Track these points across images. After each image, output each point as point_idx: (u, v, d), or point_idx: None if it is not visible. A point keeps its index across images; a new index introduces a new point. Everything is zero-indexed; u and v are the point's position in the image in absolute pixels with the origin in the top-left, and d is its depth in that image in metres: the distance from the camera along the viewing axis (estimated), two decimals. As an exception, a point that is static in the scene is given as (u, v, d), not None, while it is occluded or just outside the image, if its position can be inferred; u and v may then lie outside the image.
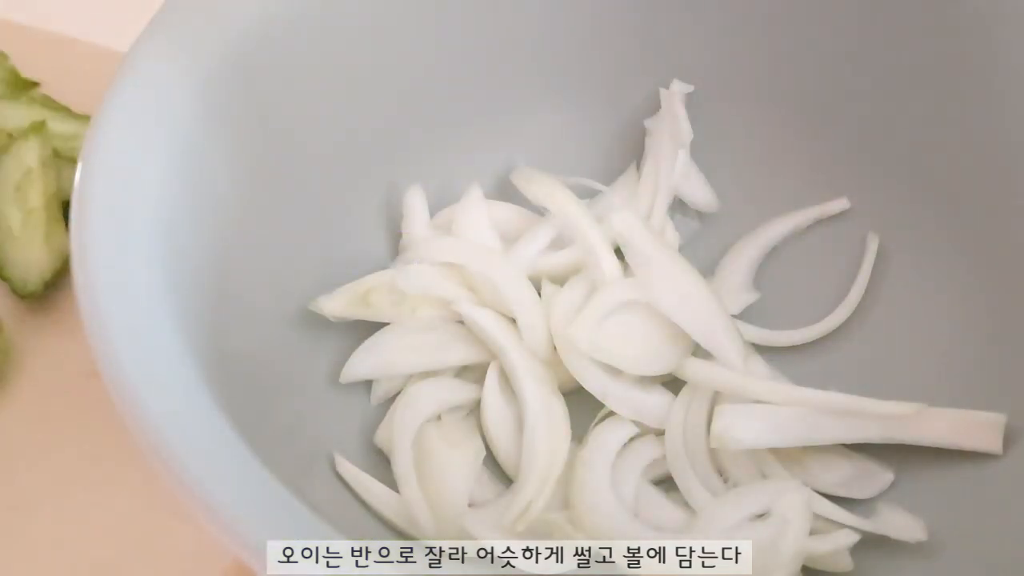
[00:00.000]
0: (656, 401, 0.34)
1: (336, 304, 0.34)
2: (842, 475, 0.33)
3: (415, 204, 0.37)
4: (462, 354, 0.35)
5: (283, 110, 0.34)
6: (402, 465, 0.32)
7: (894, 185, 0.38)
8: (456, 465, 0.32)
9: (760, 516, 0.31)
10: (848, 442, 0.32)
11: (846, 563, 0.31)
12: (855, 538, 0.31)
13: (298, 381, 0.33)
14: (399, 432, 0.33)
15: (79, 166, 0.27)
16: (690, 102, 0.40)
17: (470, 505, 0.32)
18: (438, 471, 0.32)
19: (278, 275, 0.34)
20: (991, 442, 0.32)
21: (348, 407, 0.34)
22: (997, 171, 0.35)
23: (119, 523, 0.36)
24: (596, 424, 0.33)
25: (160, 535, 0.36)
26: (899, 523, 0.31)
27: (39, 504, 0.36)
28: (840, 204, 0.39)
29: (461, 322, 0.35)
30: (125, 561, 0.35)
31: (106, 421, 0.38)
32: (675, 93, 0.39)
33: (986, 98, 0.35)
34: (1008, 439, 0.32)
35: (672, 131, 0.39)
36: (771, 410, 0.33)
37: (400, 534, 0.32)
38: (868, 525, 0.31)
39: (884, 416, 0.32)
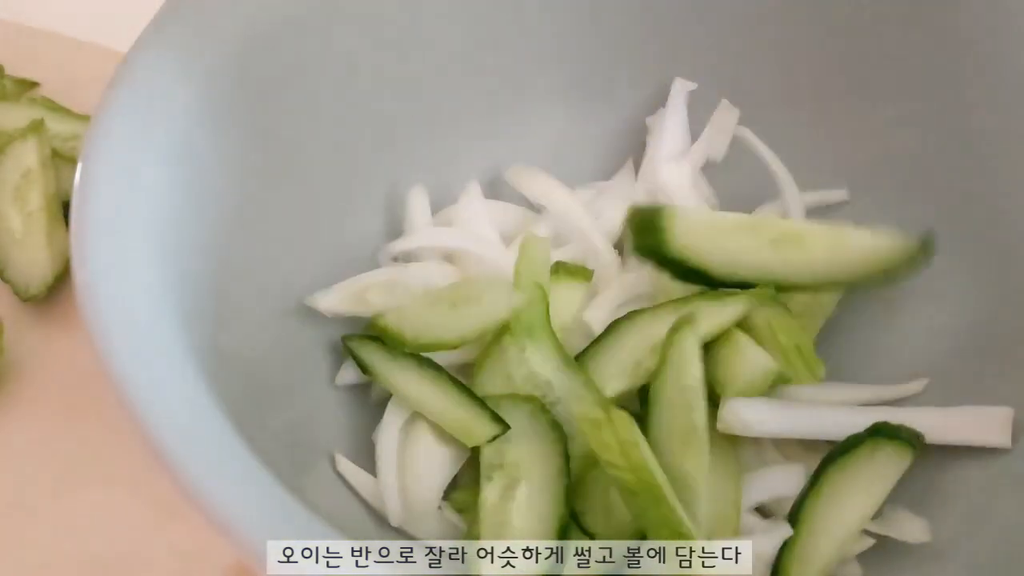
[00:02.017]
0: None
1: (332, 300, 0.34)
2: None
3: (417, 204, 0.37)
4: (461, 354, 0.35)
5: (283, 110, 0.34)
6: (386, 452, 0.32)
7: (895, 180, 0.38)
8: (438, 460, 0.32)
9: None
10: None
11: (854, 571, 0.31)
12: (868, 543, 0.31)
13: (298, 381, 0.33)
14: (390, 415, 0.33)
15: (79, 166, 0.27)
16: (691, 101, 0.40)
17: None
18: (417, 461, 0.32)
19: (278, 274, 0.34)
20: (1000, 436, 0.32)
21: (348, 407, 0.34)
22: (1001, 166, 0.35)
23: (119, 523, 0.36)
24: None
25: (160, 535, 0.36)
26: (902, 524, 0.31)
27: (39, 504, 0.36)
28: (839, 194, 0.39)
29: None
30: (125, 561, 0.35)
31: (106, 421, 0.38)
32: (680, 91, 0.40)
33: (988, 94, 0.35)
34: (1015, 434, 0.32)
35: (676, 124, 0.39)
36: (780, 400, 0.33)
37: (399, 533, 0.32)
38: (871, 526, 0.31)
39: (891, 400, 0.33)
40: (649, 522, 0.29)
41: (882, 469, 0.31)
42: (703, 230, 0.33)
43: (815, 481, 0.31)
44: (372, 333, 0.33)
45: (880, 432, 0.31)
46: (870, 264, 0.32)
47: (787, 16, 0.38)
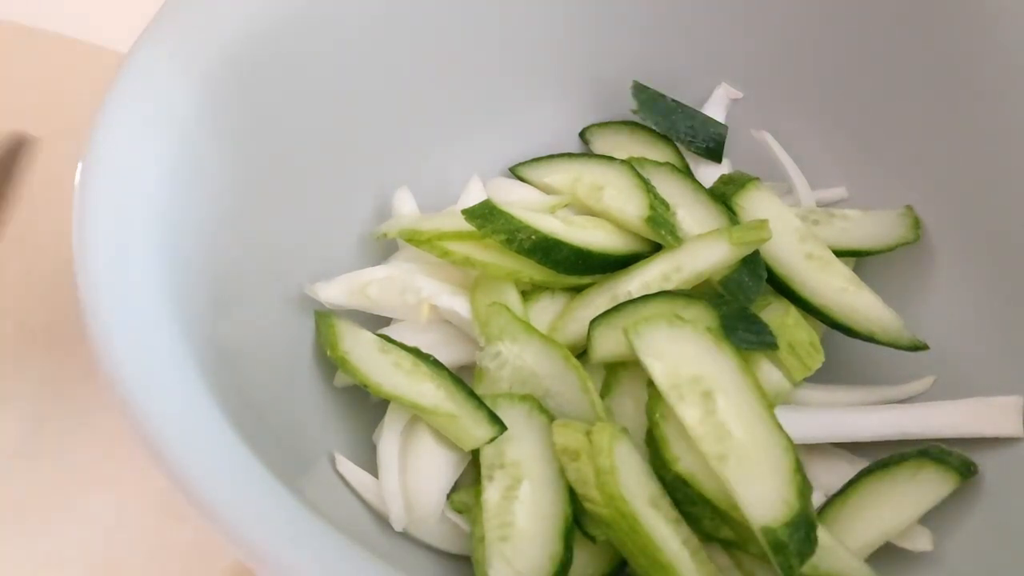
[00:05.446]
0: None
1: (333, 292, 0.34)
2: (843, 477, 0.32)
3: (403, 207, 0.37)
4: (459, 353, 0.35)
5: (281, 110, 0.34)
6: (387, 457, 0.32)
7: (895, 179, 0.38)
8: (440, 464, 0.32)
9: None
10: (865, 439, 0.32)
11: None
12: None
13: (298, 381, 0.33)
14: (391, 419, 0.33)
15: (79, 166, 0.27)
16: (693, 98, 0.40)
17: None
18: (419, 466, 0.32)
19: (277, 274, 0.34)
20: (1011, 426, 0.31)
21: (348, 407, 0.34)
22: (1002, 164, 0.35)
23: (119, 523, 0.36)
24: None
25: (160, 535, 0.36)
26: (906, 531, 0.31)
27: (39, 504, 0.36)
28: (838, 192, 0.39)
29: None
30: (125, 561, 0.35)
31: (106, 421, 0.38)
32: (722, 96, 0.40)
33: (988, 93, 0.35)
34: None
35: None
36: (791, 406, 0.33)
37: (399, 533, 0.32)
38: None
39: (901, 398, 0.33)
40: (628, 552, 0.29)
41: (921, 490, 0.31)
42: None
43: (847, 487, 0.31)
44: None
45: (928, 454, 0.31)
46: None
47: (790, 18, 0.38)
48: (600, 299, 0.34)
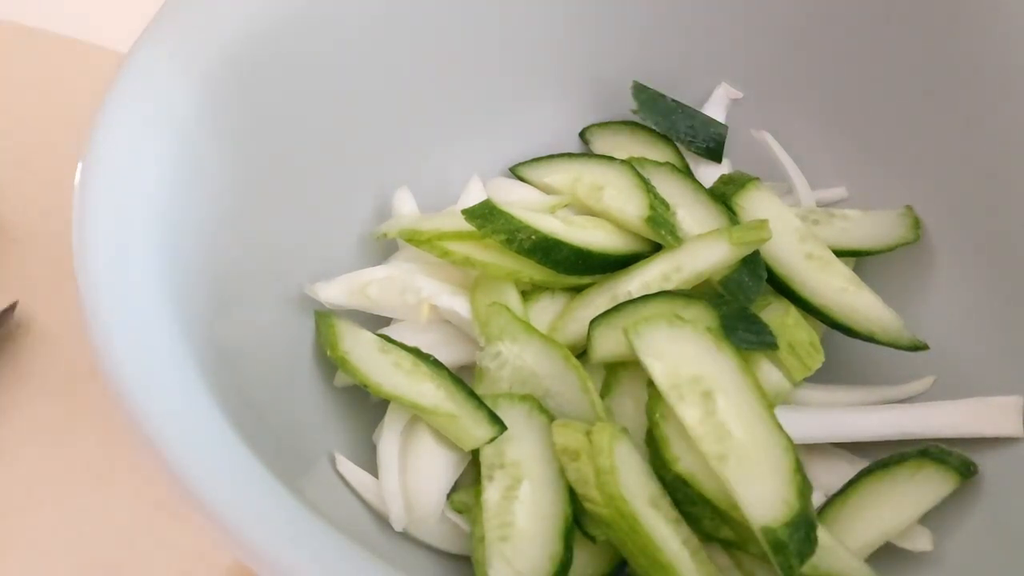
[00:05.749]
0: None
1: (333, 292, 0.34)
2: (843, 477, 0.33)
3: (403, 207, 0.37)
4: (459, 353, 0.35)
5: (281, 110, 0.34)
6: (387, 457, 0.32)
7: (895, 179, 0.38)
8: (440, 465, 0.32)
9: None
10: (865, 439, 0.32)
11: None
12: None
13: (298, 381, 0.33)
14: (391, 419, 0.33)
15: (79, 166, 0.27)
16: (693, 98, 0.40)
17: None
18: (419, 466, 0.32)
19: (277, 274, 0.34)
20: (1011, 426, 0.32)
21: (348, 407, 0.34)
22: (1002, 163, 0.35)
23: (119, 523, 0.36)
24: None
25: (160, 535, 0.36)
26: (906, 531, 0.31)
27: (40, 504, 0.36)
28: (838, 192, 0.39)
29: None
30: (125, 561, 0.35)
31: (106, 421, 0.38)
32: (722, 96, 0.40)
33: (988, 93, 0.35)
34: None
35: None
36: (791, 406, 0.33)
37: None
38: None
39: (901, 398, 0.33)
40: (628, 552, 0.29)
41: (920, 490, 0.31)
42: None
43: (847, 487, 0.31)
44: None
45: (928, 454, 0.31)
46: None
47: (790, 18, 0.38)
48: (600, 299, 0.34)
